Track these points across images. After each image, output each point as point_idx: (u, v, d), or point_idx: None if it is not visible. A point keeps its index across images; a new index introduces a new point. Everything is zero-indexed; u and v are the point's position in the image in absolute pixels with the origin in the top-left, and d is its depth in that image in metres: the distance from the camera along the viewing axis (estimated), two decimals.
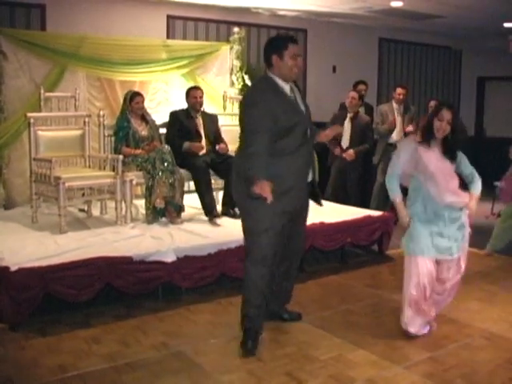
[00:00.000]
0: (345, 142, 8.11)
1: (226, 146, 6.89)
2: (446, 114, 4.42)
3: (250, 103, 4.22)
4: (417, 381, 3.88)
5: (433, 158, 4.45)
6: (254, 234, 4.24)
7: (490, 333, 4.68)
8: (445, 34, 11.93)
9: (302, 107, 4.35)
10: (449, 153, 4.48)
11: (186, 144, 6.60)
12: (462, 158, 4.57)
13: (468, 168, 4.59)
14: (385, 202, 8.63)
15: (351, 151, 7.99)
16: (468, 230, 4.57)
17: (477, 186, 4.57)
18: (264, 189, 3.98)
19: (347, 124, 8.08)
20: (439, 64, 12.88)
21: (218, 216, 6.32)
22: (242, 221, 4.39)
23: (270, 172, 4.03)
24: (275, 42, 4.36)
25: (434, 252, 4.47)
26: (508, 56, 11.64)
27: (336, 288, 5.77)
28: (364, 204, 8.09)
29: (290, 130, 4.17)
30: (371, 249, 6.97)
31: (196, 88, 7.02)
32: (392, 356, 4.23)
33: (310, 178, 4.46)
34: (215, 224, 6.21)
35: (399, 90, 8.51)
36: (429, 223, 4.47)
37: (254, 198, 4.07)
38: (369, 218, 6.71)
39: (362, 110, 8.72)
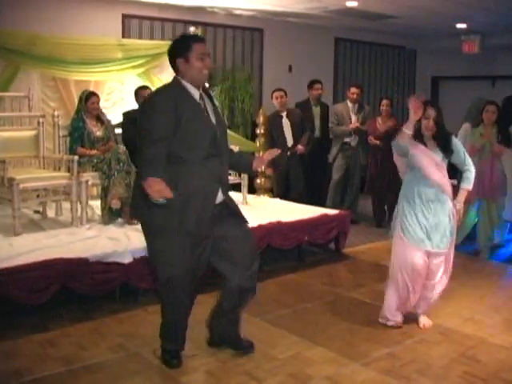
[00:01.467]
0: (289, 141, 8.18)
1: None
2: (431, 112, 4.58)
3: (150, 107, 3.77)
4: (374, 377, 3.94)
5: (422, 151, 4.60)
6: (165, 275, 3.86)
7: (445, 328, 4.77)
8: (399, 34, 12.08)
9: (212, 118, 3.91)
10: (442, 148, 4.65)
11: None
12: (457, 148, 4.72)
13: (459, 158, 4.74)
14: (341, 201, 8.74)
15: (300, 147, 8.07)
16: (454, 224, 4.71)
17: (467, 180, 4.75)
18: (151, 185, 3.55)
19: (285, 122, 8.18)
20: (394, 64, 13.04)
21: None
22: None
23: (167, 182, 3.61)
24: (178, 43, 3.86)
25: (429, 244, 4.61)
26: (461, 56, 11.84)
27: (294, 286, 5.81)
28: (320, 202, 8.15)
29: (196, 139, 3.76)
30: (328, 247, 7.03)
31: (145, 87, 6.98)
32: (350, 353, 4.28)
33: (220, 199, 3.92)
34: None
35: (353, 90, 8.59)
36: (421, 214, 4.61)
37: (162, 227, 3.73)
38: (325, 216, 6.76)
39: (317, 109, 8.80)
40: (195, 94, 3.84)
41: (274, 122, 8.22)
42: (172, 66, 3.89)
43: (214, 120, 3.91)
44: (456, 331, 4.73)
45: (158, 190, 3.55)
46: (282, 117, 8.20)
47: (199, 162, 3.77)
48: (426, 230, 4.59)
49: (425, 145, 4.63)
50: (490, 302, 5.42)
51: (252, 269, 4.00)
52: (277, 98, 8.19)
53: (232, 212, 4.05)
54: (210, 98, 4.05)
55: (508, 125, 6.74)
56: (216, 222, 3.90)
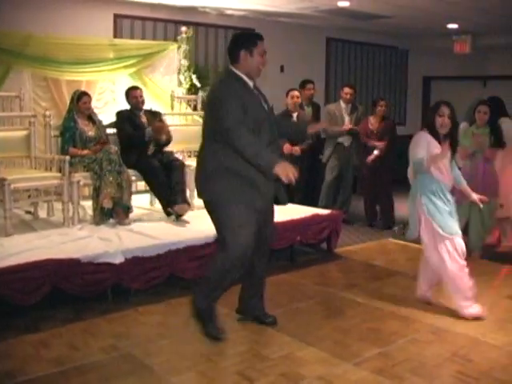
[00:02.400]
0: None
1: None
2: (446, 110, 4.81)
3: (222, 97, 4.16)
4: (366, 376, 3.94)
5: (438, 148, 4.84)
6: (231, 230, 4.21)
7: (437, 327, 4.78)
8: (391, 34, 12.10)
9: (265, 106, 4.37)
10: (452, 147, 4.91)
11: (149, 130, 6.58)
12: None
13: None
14: (333, 201, 8.75)
15: (297, 148, 8.04)
16: None
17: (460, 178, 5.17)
18: (286, 167, 3.94)
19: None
20: (386, 64, 13.05)
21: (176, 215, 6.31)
22: (216, 219, 4.35)
23: (239, 167, 4.12)
24: (244, 37, 4.37)
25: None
26: (452, 56, 11.87)
27: (286, 286, 5.80)
28: (312, 202, 8.15)
29: (259, 126, 4.18)
30: (320, 247, 7.03)
31: (135, 88, 6.98)
32: (342, 353, 4.28)
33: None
34: (183, 221, 6.26)
35: (347, 90, 8.59)
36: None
37: (231, 196, 4.18)
38: (317, 216, 6.76)
39: (309, 109, 8.79)
40: (250, 84, 4.30)
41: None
42: (231, 56, 4.31)
43: (266, 109, 4.36)
44: (448, 331, 4.73)
45: (289, 171, 3.93)
46: (292, 117, 8.14)
47: (265, 146, 4.15)
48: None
49: (439, 141, 4.86)
50: (481, 302, 5.41)
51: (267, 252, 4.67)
52: (292, 98, 8.06)
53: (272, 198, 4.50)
54: (259, 89, 4.44)
55: (495, 125, 6.75)
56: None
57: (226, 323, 4.73)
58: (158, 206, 6.61)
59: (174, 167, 6.52)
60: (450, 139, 4.91)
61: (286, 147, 7.99)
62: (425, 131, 4.96)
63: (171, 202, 6.35)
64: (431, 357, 4.25)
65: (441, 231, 4.85)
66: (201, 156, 4.41)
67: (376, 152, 8.26)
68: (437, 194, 4.87)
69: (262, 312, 4.78)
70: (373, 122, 8.42)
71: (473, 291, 4.94)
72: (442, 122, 4.82)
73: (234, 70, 4.29)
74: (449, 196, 4.93)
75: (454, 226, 4.91)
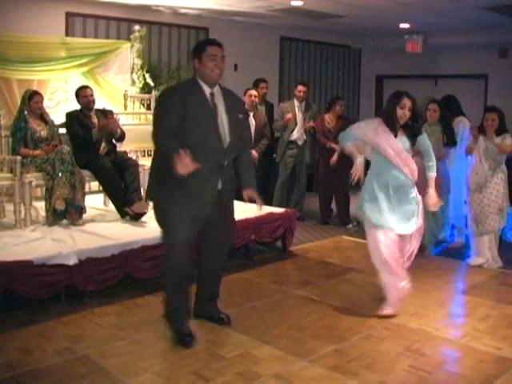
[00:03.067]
0: None
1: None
2: (407, 102, 4.82)
3: (164, 94, 4.45)
4: (322, 373, 3.96)
5: (389, 138, 4.83)
6: (169, 243, 4.33)
7: (391, 323, 4.84)
8: (344, 33, 12.21)
9: (223, 113, 4.33)
10: (410, 137, 4.89)
11: (95, 131, 6.50)
12: (422, 138, 5.00)
13: (424, 144, 5.04)
14: (287, 199, 8.78)
15: (255, 153, 8.04)
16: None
17: (432, 168, 5.07)
18: (183, 159, 3.96)
19: (251, 122, 8.16)
20: (339, 62, 13.17)
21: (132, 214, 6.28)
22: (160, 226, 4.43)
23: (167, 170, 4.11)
24: (196, 46, 4.45)
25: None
26: (405, 55, 12.02)
27: (241, 285, 5.81)
28: (266, 201, 8.17)
29: (200, 131, 4.21)
30: (275, 245, 7.06)
31: (84, 87, 6.87)
32: (297, 350, 4.30)
33: (219, 187, 4.38)
34: (141, 222, 6.25)
35: (300, 88, 8.62)
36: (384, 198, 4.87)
37: (169, 204, 4.24)
38: (271, 214, 6.78)
39: (262, 107, 8.80)
40: (206, 90, 4.30)
41: None
42: (193, 67, 4.42)
43: (224, 116, 4.33)
44: (402, 326, 4.80)
45: (186, 163, 3.95)
46: (249, 116, 8.13)
47: (204, 154, 4.18)
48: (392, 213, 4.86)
49: (395, 133, 4.85)
50: (434, 297, 5.52)
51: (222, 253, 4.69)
52: (250, 97, 8.05)
53: (225, 202, 4.55)
54: (231, 96, 4.49)
55: (447, 124, 6.86)
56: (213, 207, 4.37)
57: None
58: (111, 206, 6.55)
59: (127, 167, 6.47)
60: (406, 130, 4.90)
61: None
62: (379, 120, 4.95)
63: (128, 201, 6.31)
64: (385, 352, 4.31)
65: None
66: (153, 159, 4.53)
67: (337, 152, 8.28)
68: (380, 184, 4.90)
69: (216, 311, 4.81)
70: (329, 121, 8.47)
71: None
72: (403, 114, 4.82)
73: (196, 77, 4.38)
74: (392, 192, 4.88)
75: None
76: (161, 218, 4.37)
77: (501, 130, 6.35)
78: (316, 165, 8.79)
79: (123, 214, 6.30)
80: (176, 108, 4.16)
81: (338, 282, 5.91)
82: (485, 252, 6.50)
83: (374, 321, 4.89)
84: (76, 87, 7.09)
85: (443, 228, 7.27)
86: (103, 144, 6.64)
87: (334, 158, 8.19)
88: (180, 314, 4.43)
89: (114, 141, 6.80)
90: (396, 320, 4.89)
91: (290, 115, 8.46)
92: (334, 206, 8.79)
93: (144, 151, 7.73)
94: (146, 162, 6.82)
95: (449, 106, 7.20)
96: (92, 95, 6.75)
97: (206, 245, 4.62)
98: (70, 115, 6.68)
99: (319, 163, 8.63)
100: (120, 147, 6.92)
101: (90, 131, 6.48)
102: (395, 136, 4.85)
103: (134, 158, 7.00)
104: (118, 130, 6.70)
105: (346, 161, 8.37)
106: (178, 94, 4.26)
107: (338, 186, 8.45)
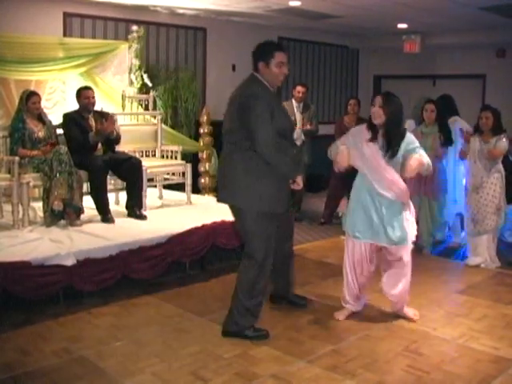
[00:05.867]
0: None
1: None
2: (377, 99, 4.65)
3: (253, 95, 4.25)
4: (320, 373, 3.97)
5: (372, 149, 4.62)
6: (256, 237, 4.35)
7: (389, 323, 4.86)
8: (342, 33, 12.20)
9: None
10: (387, 147, 4.61)
11: (91, 134, 6.50)
12: (407, 144, 4.66)
13: (412, 145, 4.69)
14: None
15: None
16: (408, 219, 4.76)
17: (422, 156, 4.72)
18: (299, 182, 4.39)
19: None
20: (337, 63, 13.16)
21: (112, 220, 6.26)
22: (242, 224, 4.44)
23: (267, 172, 4.25)
24: (262, 48, 4.39)
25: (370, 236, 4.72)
26: (402, 55, 12.02)
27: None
28: None
29: (285, 133, 4.33)
30: None
31: (87, 88, 6.85)
32: (295, 351, 4.31)
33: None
34: (110, 223, 6.23)
35: (299, 88, 8.62)
36: (365, 208, 4.70)
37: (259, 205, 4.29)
38: None
39: None
40: (271, 89, 4.39)
41: None
42: (253, 64, 4.44)
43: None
44: (400, 326, 4.81)
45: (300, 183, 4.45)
46: None
47: (290, 149, 4.40)
48: (376, 224, 4.67)
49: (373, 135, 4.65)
50: (432, 297, 5.53)
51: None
52: None
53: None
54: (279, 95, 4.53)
55: (444, 124, 6.87)
56: None
57: (179, 323, 4.74)
58: (111, 207, 6.51)
59: (131, 166, 6.54)
60: (385, 138, 4.63)
61: None
62: (365, 127, 4.77)
63: (133, 204, 6.49)
64: (383, 352, 4.32)
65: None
66: (227, 160, 4.42)
67: None
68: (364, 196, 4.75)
69: (293, 295, 5.15)
70: (348, 121, 8.48)
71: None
72: (373, 111, 4.62)
73: (256, 75, 4.40)
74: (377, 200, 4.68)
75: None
76: (249, 220, 4.35)
77: (497, 129, 6.35)
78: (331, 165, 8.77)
79: (105, 219, 6.29)
80: (270, 114, 4.19)
81: (335, 282, 5.89)
82: (483, 252, 6.50)
83: (372, 321, 4.91)
84: (74, 88, 7.10)
85: (440, 228, 7.28)
86: (99, 145, 6.64)
87: None
88: (261, 306, 4.56)
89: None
90: (394, 320, 4.90)
91: (306, 126, 8.49)
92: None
93: (142, 152, 7.72)
94: (144, 163, 6.82)
95: (445, 105, 7.21)
96: (93, 97, 6.74)
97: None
98: (67, 116, 6.67)
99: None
100: (118, 148, 6.90)
101: (86, 135, 6.48)
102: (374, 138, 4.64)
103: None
104: (114, 133, 6.70)
105: None
106: (265, 99, 4.24)
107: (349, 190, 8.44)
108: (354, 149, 4.67)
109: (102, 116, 6.80)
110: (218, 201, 4.58)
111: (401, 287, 4.85)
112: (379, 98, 4.66)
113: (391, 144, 4.60)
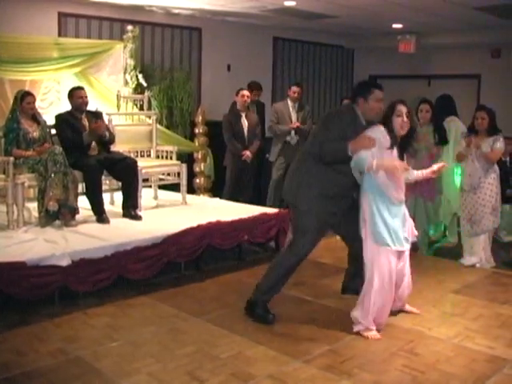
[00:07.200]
0: (242, 141, 8.21)
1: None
2: (403, 108, 4.56)
3: (331, 120, 4.81)
4: (316, 373, 3.97)
5: (390, 154, 4.56)
6: (303, 232, 4.80)
7: (385, 323, 4.84)
8: (337, 33, 12.22)
9: None
10: (401, 151, 4.65)
11: (85, 134, 6.48)
12: None
13: None
14: (280, 199, 8.77)
15: (248, 153, 8.11)
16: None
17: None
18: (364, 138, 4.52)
19: (243, 122, 8.19)
20: (333, 63, 13.18)
21: (107, 221, 6.24)
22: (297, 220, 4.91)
23: (326, 176, 4.68)
24: (363, 86, 4.87)
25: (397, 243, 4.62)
26: (398, 55, 12.04)
27: (234, 286, 5.81)
28: (260, 201, 8.18)
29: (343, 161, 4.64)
30: (268, 246, 7.05)
31: (80, 88, 6.83)
32: (291, 351, 4.31)
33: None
34: (105, 223, 6.21)
35: (294, 88, 8.63)
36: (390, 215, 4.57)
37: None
38: (265, 215, 6.78)
39: (253, 107, 8.83)
40: (362, 122, 4.70)
41: (235, 119, 8.17)
42: (353, 98, 4.84)
43: None
44: (395, 326, 4.81)
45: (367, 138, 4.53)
46: (241, 116, 8.18)
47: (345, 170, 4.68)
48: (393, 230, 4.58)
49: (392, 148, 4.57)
50: (427, 296, 5.54)
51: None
52: (243, 97, 8.16)
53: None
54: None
55: (439, 123, 6.87)
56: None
57: (174, 324, 4.74)
58: (106, 206, 6.51)
59: (126, 166, 6.53)
60: (401, 143, 4.62)
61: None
62: (381, 129, 4.59)
63: (130, 205, 6.46)
64: (379, 352, 4.32)
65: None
66: (302, 169, 4.83)
67: None
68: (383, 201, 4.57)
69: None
70: None
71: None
72: (402, 122, 4.51)
73: (354, 106, 4.77)
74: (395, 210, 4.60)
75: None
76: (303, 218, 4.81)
77: (492, 130, 6.36)
78: None
79: (100, 219, 6.28)
80: (342, 133, 4.57)
81: (330, 282, 5.91)
82: (478, 252, 6.51)
83: None
84: (69, 88, 7.07)
85: (436, 228, 7.29)
86: (93, 144, 6.62)
87: None
88: (274, 290, 4.94)
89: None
90: (389, 320, 4.88)
91: (297, 123, 8.50)
92: None
93: (137, 152, 7.70)
94: (139, 163, 6.81)
95: (445, 105, 7.22)
96: (86, 97, 6.73)
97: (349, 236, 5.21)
98: (59, 118, 6.64)
99: None
100: (113, 148, 6.89)
101: (80, 135, 6.46)
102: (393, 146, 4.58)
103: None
104: (107, 133, 6.68)
105: None
106: (345, 121, 4.67)
107: None
108: (380, 159, 4.52)
109: (95, 116, 6.79)
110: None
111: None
112: (405, 107, 4.59)
113: (403, 156, 4.73)
